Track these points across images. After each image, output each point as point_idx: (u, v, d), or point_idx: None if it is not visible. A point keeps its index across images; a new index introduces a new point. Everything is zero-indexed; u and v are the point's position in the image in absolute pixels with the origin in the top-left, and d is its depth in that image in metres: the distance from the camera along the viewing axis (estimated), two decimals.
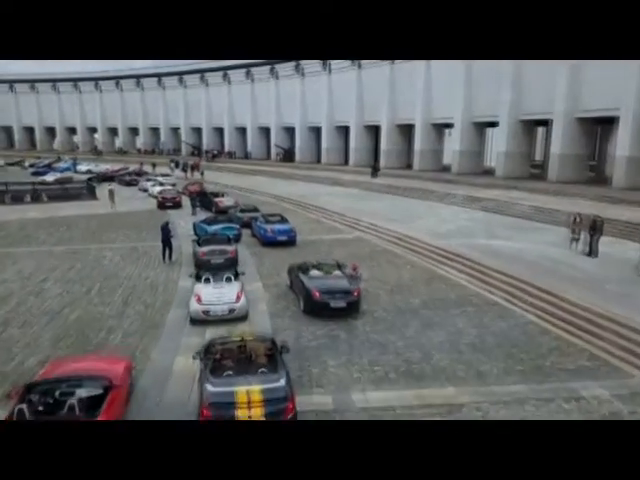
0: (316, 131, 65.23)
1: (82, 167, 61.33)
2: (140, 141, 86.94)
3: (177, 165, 60.42)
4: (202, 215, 31.95)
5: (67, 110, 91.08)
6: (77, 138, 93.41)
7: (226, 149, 74.87)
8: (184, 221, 29.71)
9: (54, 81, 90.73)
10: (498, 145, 44.69)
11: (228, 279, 15.02)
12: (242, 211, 28.51)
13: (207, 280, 14.98)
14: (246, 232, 25.66)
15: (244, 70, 70.69)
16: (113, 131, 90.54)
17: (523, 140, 43.56)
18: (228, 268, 17.25)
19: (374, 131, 59.00)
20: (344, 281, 15.25)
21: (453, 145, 49.65)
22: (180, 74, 78.69)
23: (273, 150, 69.68)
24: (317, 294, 14.42)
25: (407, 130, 55.43)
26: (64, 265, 19.95)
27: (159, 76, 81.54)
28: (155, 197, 37.15)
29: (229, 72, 72.97)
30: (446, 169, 51.47)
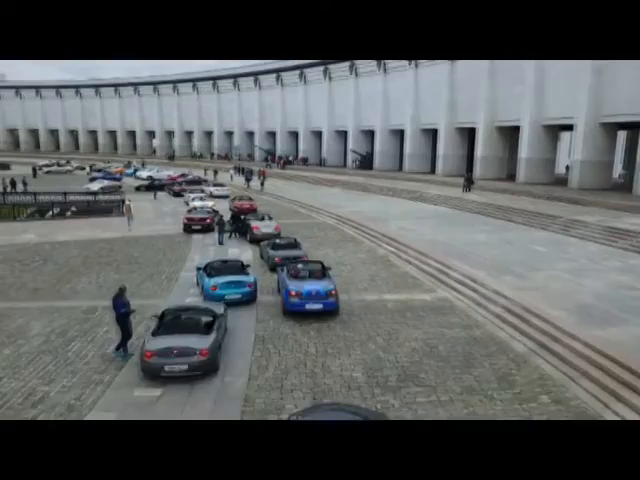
0: (399, 134, 54.93)
1: (143, 173, 54.97)
2: (215, 145, 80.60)
3: (241, 172, 52.43)
4: (231, 245, 23.13)
5: (147, 113, 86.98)
6: (156, 142, 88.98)
7: (300, 155, 66.25)
8: (202, 255, 20.92)
9: (136, 84, 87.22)
10: None
11: None
12: (275, 247, 19.06)
13: None
14: (273, 281, 16.45)
15: (321, 68, 61.84)
16: (190, 135, 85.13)
17: None
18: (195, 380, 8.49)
19: (468, 134, 47.78)
20: None
21: (573, 152, 37.78)
22: (256, 74, 71.38)
23: (349, 156, 60.12)
24: None
25: (510, 133, 43.87)
26: None
27: (235, 77, 74.80)
28: None
29: (305, 70, 64.40)
30: (560, 181, 39.54)
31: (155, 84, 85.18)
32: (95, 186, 42.02)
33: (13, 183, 42.56)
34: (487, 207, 31.03)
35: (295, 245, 19.26)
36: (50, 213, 31.52)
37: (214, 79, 77.67)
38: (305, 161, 64.26)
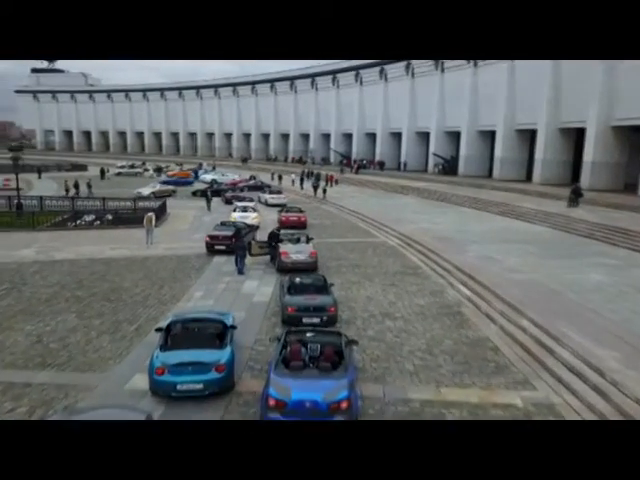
0: (489, 136, 47.16)
1: (207, 176, 51.34)
2: (291, 148, 76.18)
3: (309, 177, 47.14)
4: (254, 274, 17.67)
5: (226, 116, 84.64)
6: (234, 144, 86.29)
7: (377, 158, 59.93)
8: (206, 290, 15.62)
9: (216, 87, 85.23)
10: None
11: None
12: (292, 289, 12.99)
13: None
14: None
15: (403, 63, 55.32)
16: (267, 137, 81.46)
17: None
18: None
19: (574, 136, 39.30)
20: None
21: None
22: (334, 73, 66.15)
23: (431, 160, 53.01)
24: None
25: (629, 135, 35.10)
26: None
27: (313, 76, 70.06)
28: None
29: (385, 67, 58.15)
30: None
31: (234, 85, 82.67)
32: (146, 190, 38.50)
33: (77, 185, 40.03)
34: (601, 229, 23.37)
35: (322, 288, 13.28)
36: (73, 223, 27.59)
37: (291, 79, 73.52)
38: (382, 165, 57.84)
